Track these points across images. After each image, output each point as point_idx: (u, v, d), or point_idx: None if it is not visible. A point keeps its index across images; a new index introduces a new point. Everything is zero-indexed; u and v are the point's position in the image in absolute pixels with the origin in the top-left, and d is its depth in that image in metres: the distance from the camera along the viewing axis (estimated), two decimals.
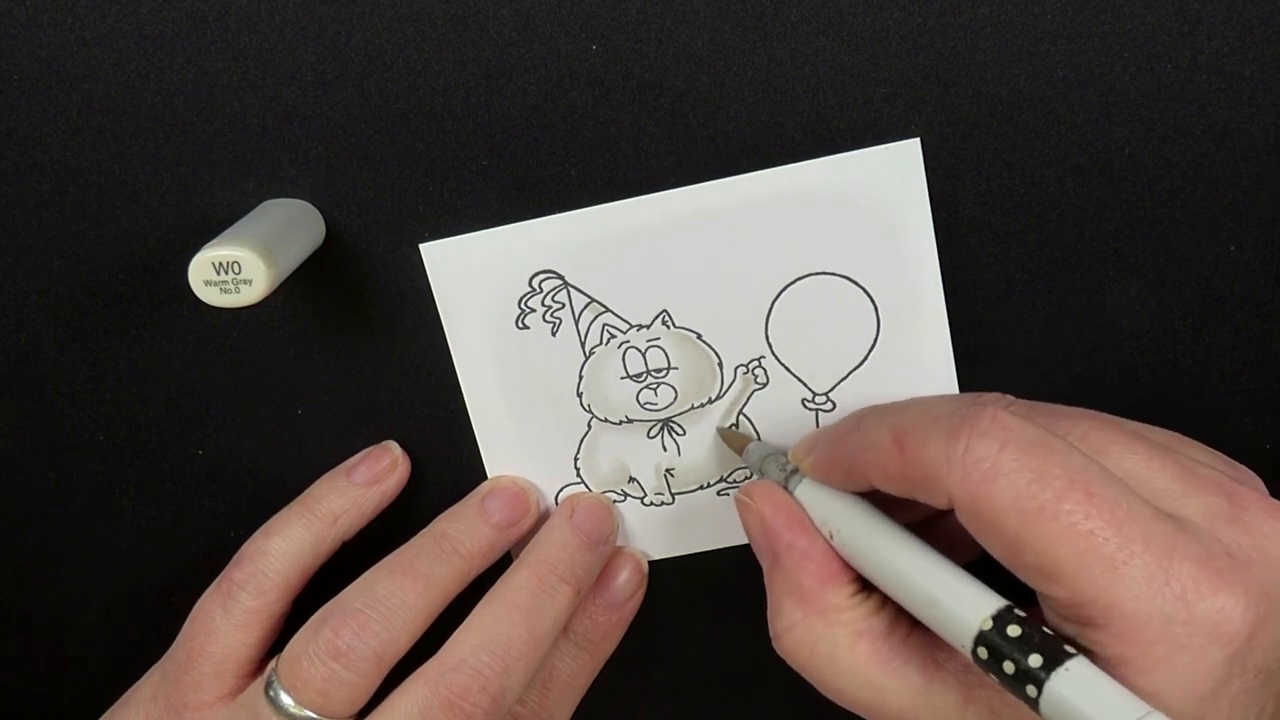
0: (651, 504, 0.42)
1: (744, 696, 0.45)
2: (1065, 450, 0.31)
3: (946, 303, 0.39)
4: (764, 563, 0.36)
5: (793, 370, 0.40)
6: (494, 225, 0.39)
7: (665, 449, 0.41)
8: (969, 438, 0.31)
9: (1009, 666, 0.30)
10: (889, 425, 0.33)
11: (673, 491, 0.42)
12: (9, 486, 0.43)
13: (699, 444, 0.41)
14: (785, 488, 0.37)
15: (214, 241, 0.34)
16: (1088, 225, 0.38)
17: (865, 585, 0.35)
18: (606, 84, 0.37)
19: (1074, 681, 0.29)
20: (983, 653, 0.30)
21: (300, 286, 0.39)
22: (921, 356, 0.39)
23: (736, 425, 0.41)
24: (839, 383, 0.40)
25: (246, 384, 0.41)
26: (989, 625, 0.30)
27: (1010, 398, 0.37)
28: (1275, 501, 0.32)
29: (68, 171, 0.39)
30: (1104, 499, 0.30)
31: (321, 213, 0.39)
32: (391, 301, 0.40)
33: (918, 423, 0.32)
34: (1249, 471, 0.35)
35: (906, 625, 0.34)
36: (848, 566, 0.35)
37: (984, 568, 0.32)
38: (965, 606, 0.31)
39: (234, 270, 0.34)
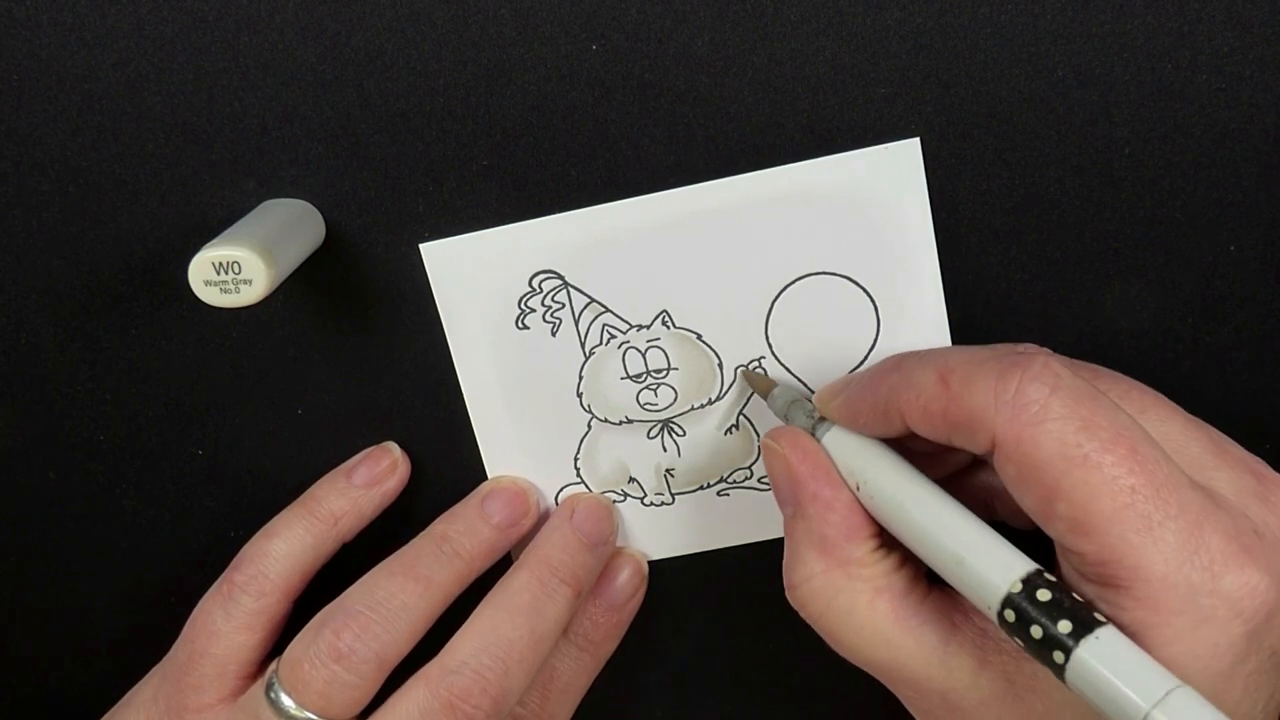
0: (651, 504, 0.42)
1: (744, 696, 0.45)
2: (1112, 405, 0.30)
3: (946, 303, 0.39)
4: (785, 511, 0.35)
5: (793, 370, 0.40)
6: (494, 225, 0.39)
7: (665, 449, 0.41)
8: (1020, 380, 0.30)
9: (1036, 631, 0.29)
10: (934, 365, 0.32)
11: (673, 492, 0.42)
12: (9, 486, 0.43)
13: (699, 444, 0.41)
14: (812, 435, 0.36)
15: (214, 241, 0.34)
16: (1088, 225, 0.38)
17: (886, 541, 0.34)
18: (606, 84, 0.37)
19: (1103, 650, 0.28)
20: (1009, 615, 0.30)
21: (300, 286, 0.39)
22: None
23: (736, 426, 0.41)
24: None
25: (246, 384, 0.41)
26: (1018, 588, 0.30)
27: (1048, 349, 0.36)
28: None
29: (68, 171, 0.39)
30: (1147, 458, 0.29)
31: (321, 213, 0.39)
32: (391, 301, 0.40)
33: (966, 363, 0.32)
34: (1268, 466, 0.34)
35: (925, 585, 0.34)
36: (871, 521, 0.34)
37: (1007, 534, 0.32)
38: (994, 568, 0.30)
39: (234, 270, 0.34)
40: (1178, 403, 0.39)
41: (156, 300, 0.40)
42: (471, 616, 0.38)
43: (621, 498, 0.42)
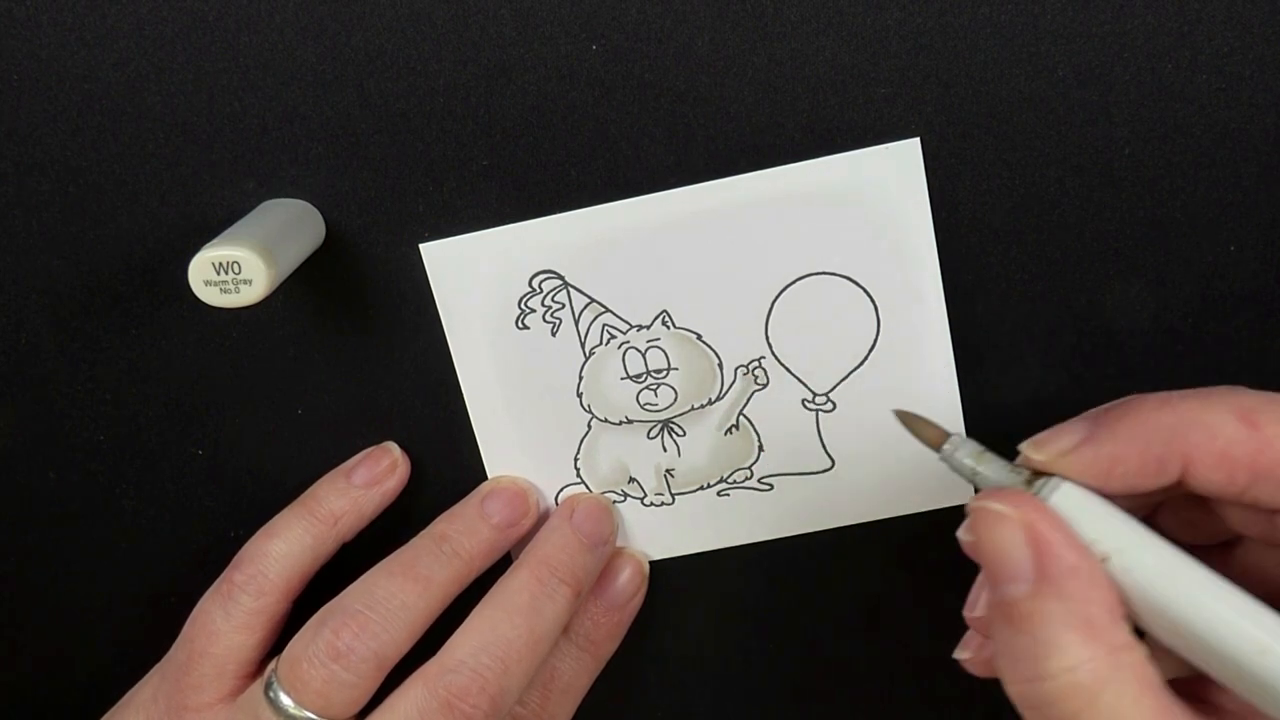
0: (651, 504, 0.42)
1: (744, 696, 0.45)
2: None
3: (946, 303, 0.39)
4: (1019, 589, 0.29)
5: (793, 371, 0.40)
6: (494, 225, 0.39)
7: (665, 449, 0.41)
8: None
9: None
10: (1231, 404, 0.28)
11: (673, 492, 0.42)
12: (9, 486, 0.43)
13: (699, 445, 0.41)
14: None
15: (214, 241, 0.34)
16: (1088, 225, 0.38)
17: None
18: (606, 84, 0.37)
19: None
20: None
21: (300, 286, 0.39)
22: (921, 356, 0.39)
23: (736, 426, 0.41)
24: (839, 383, 0.40)
25: (246, 384, 0.41)
26: None
27: None
28: None
29: (68, 171, 0.39)
30: None
31: (321, 213, 0.39)
32: (391, 301, 0.40)
33: (1271, 403, 0.28)
34: None
35: (1174, 664, 0.29)
36: (1121, 600, 0.29)
37: None
38: None
39: (234, 270, 0.34)
40: None
41: (156, 300, 0.40)
42: (470, 616, 0.38)
43: (621, 498, 0.42)
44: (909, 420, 0.33)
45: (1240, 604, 0.27)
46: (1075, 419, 0.31)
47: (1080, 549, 0.29)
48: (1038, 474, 0.30)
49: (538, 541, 0.40)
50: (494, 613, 0.38)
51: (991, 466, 0.31)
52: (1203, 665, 0.28)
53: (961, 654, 0.34)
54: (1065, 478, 0.30)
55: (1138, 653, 0.28)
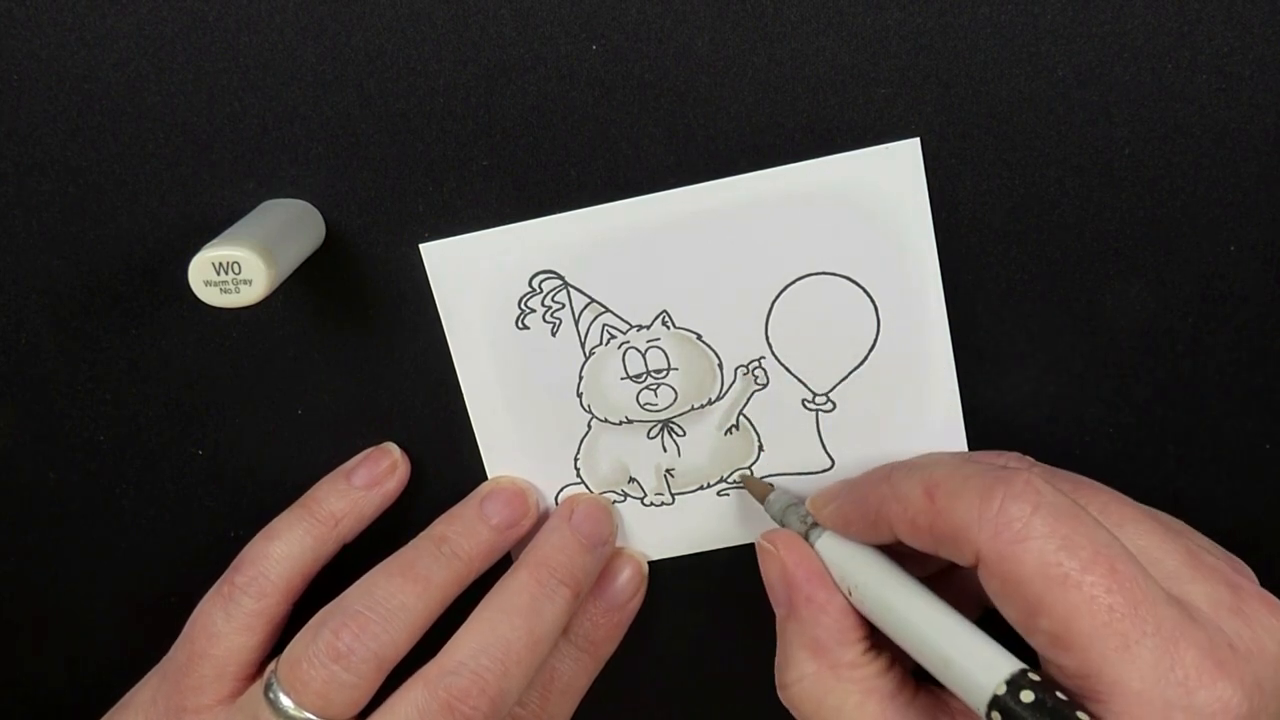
0: (651, 504, 0.42)
1: (744, 697, 0.45)
2: (1092, 522, 0.32)
3: (946, 303, 0.39)
4: (779, 611, 0.37)
5: (793, 371, 0.40)
6: (494, 225, 0.39)
7: (665, 449, 0.41)
8: (1003, 498, 0.31)
9: None
10: (920, 479, 0.33)
11: (673, 492, 0.42)
12: (9, 486, 0.43)
13: (699, 444, 0.41)
14: (806, 539, 0.37)
15: (214, 241, 0.34)
16: (1088, 225, 0.38)
17: (876, 643, 0.36)
18: (606, 84, 0.37)
19: None
20: (996, 717, 0.31)
21: (300, 286, 0.39)
22: (921, 356, 0.39)
23: (736, 426, 0.41)
24: (839, 383, 0.40)
25: (246, 384, 0.41)
26: (1003, 690, 0.31)
27: (1030, 458, 0.38)
28: (1273, 597, 0.33)
29: (68, 171, 0.39)
30: (1125, 576, 0.31)
31: (321, 213, 0.39)
32: (391, 301, 0.40)
33: (950, 478, 0.33)
34: (1245, 565, 0.36)
35: (913, 687, 0.35)
36: (861, 623, 0.36)
37: (993, 626, 0.33)
38: (980, 669, 0.32)
39: (234, 270, 0.34)
40: (1177, 403, 0.40)
41: (156, 300, 0.40)
42: (470, 617, 0.38)
43: (621, 498, 0.42)
44: (749, 483, 0.41)
45: (939, 624, 0.33)
46: (849, 479, 0.38)
47: (820, 583, 0.36)
48: (817, 524, 0.37)
49: (537, 543, 0.40)
50: (494, 614, 0.38)
51: (791, 514, 0.38)
52: (930, 672, 0.33)
53: None
54: (825, 527, 0.37)
55: (867, 669, 0.35)
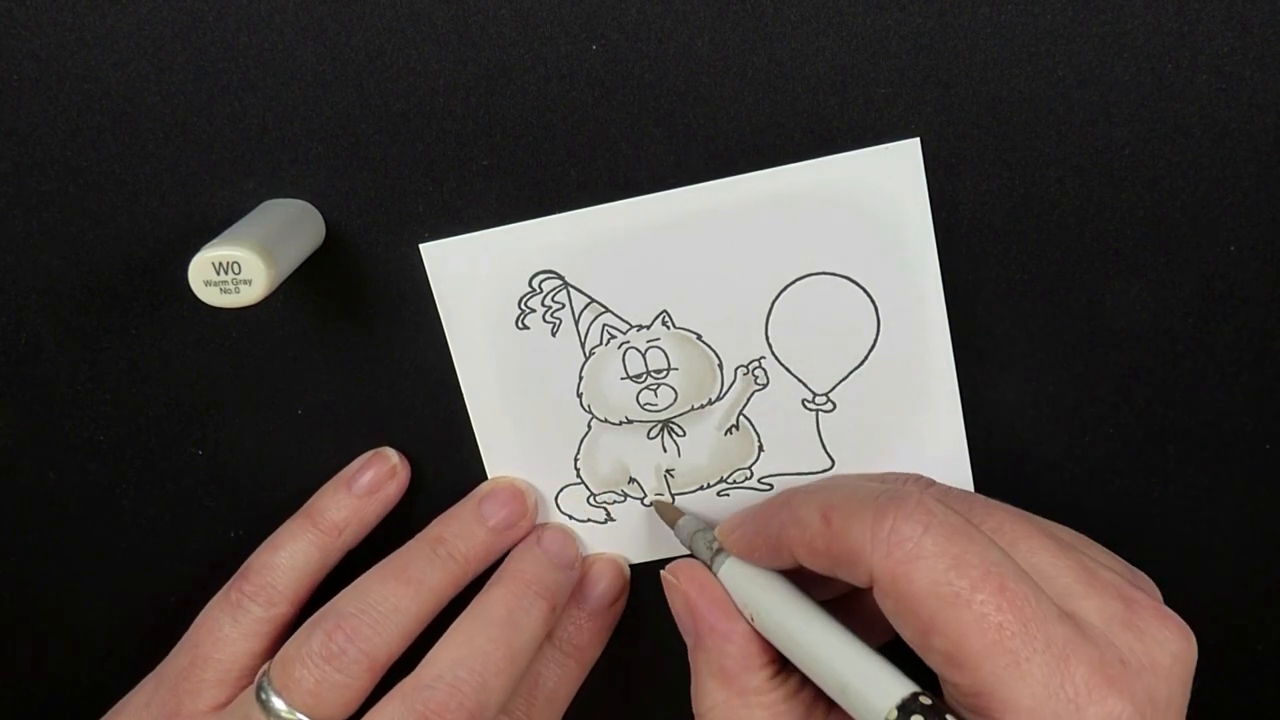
0: (651, 505, 0.42)
1: None
2: (984, 541, 0.32)
3: (946, 303, 0.39)
4: (688, 641, 0.37)
5: (793, 371, 0.40)
6: (494, 225, 0.39)
7: (665, 450, 0.41)
8: (895, 518, 0.32)
9: None
10: (818, 503, 0.34)
11: (673, 492, 0.42)
12: (9, 486, 0.43)
13: (699, 445, 0.41)
14: (710, 566, 0.37)
15: (214, 241, 0.34)
16: (1088, 225, 0.38)
17: (784, 667, 0.36)
18: (606, 84, 0.37)
19: None
20: None
21: (300, 286, 0.39)
22: (921, 356, 0.39)
23: (736, 426, 0.41)
24: (839, 383, 0.40)
25: (246, 384, 0.41)
26: (894, 715, 0.31)
27: (929, 479, 0.39)
28: (1167, 610, 0.33)
29: (68, 171, 0.39)
30: (1016, 594, 0.31)
31: (321, 213, 0.39)
32: (391, 301, 0.40)
33: (846, 501, 0.33)
34: (1146, 578, 0.36)
35: (824, 708, 0.36)
36: (767, 648, 0.36)
37: (902, 647, 0.33)
38: (874, 693, 0.32)
39: (234, 270, 0.34)
40: (1177, 403, 0.39)
41: (156, 300, 0.40)
42: (447, 631, 0.38)
43: (621, 498, 0.42)
44: (659, 507, 0.41)
45: (836, 650, 0.33)
46: (754, 505, 0.38)
47: (722, 612, 0.36)
48: (723, 550, 0.37)
49: (511, 560, 0.40)
50: (471, 626, 0.38)
51: (699, 540, 0.39)
52: (834, 699, 0.34)
53: None
54: (731, 553, 0.37)
55: (774, 694, 0.35)
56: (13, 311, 0.40)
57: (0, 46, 0.37)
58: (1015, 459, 0.40)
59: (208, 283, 0.34)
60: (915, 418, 0.40)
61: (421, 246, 0.39)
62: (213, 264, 0.34)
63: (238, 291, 0.34)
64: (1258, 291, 0.38)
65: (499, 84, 0.37)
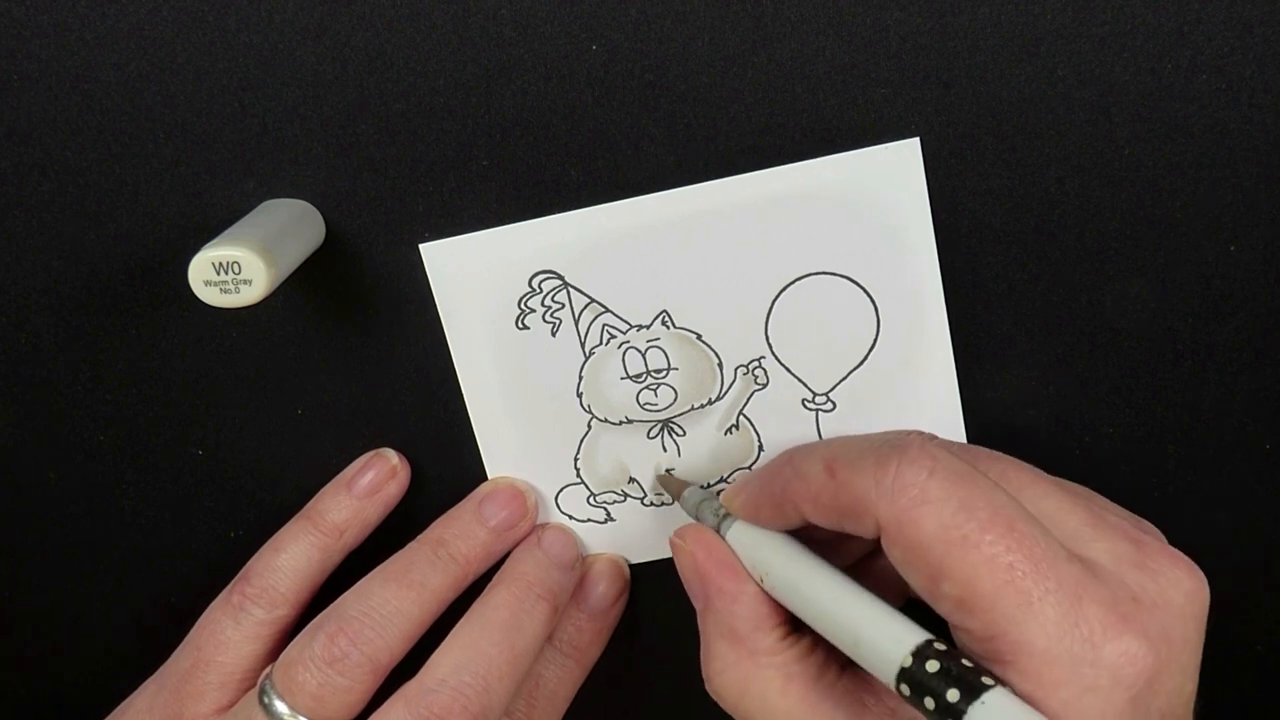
0: (651, 504, 0.42)
1: None
2: (990, 485, 0.31)
3: (946, 303, 0.39)
4: (697, 605, 0.37)
5: (793, 370, 0.40)
6: (494, 225, 0.39)
7: (665, 449, 0.41)
8: (899, 464, 0.31)
9: (929, 702, 0.30)
10: (821, 455, 0.34)
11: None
12: (9, 486, 0.43)
13: (699, 444, 0.41)
14: (718, 531, 0.37)
15: (214, 241, 0.34)
16: (1088, 225, 0.38)
17: (795, 628, 0.35)
18: (606, 84, 0.37)
19: (991, 714, 0.29)
20: (905, 690, 0.31)
21: (300, 286, 0.39)
22: (921, 356, 0.39)
23: (736, 426, 0.41)
24: (839, 383, 0.40)
25: (246, 384, 0.41)
26: (909, 661, 0.31)
27: (931, 433, 0.38)
28: (1176, 550, 0.33)
29: (68, 171, 0.39)
30: (1024, 535, 0.30)
31: (321, 213, 0.39)
32: (391, 301, 0.40)
33: (849, 452, 0.33)
34: (1152, 525, 0.35)
35: (836, 668, 0.35)
36: (778, 610, 0.35)
37: (913, 609, 0.33)
38: (887, 643, 0.31)
39: (234, 270, 0.34)
40: (1177, 403, 0.39)
41: (156, 300, 0.40)
42: (450, 634, 0.38)
43: (621, 498, 0.42)
44: (661, 479, 0.41)
45: (847, 603, 0.33)
46: (758, 469, 0.38)
47: (731, 574, 0.36)
48: (729, 515, 0.37)
49: (512, 561, 0.40)
50: (473, 629, 0.38)
51: (705, 508, 0.38)
52: (844, 651, 0.33)
53: None
54: (738, 517, 0.37)
55: (786, 654, 0.35)
56: (13, 311, 0.40)
57: (0, 46, 0.37)
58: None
59: (208, 283, 0.34)
60: (915, 418, 0.40)
61: (421, 246, 0.39)
62: (213, 264, 0.34)
63: (238, 291, 0.34)
64: (1258, 291, 0.38)
65: (499, 84, 0.37)
